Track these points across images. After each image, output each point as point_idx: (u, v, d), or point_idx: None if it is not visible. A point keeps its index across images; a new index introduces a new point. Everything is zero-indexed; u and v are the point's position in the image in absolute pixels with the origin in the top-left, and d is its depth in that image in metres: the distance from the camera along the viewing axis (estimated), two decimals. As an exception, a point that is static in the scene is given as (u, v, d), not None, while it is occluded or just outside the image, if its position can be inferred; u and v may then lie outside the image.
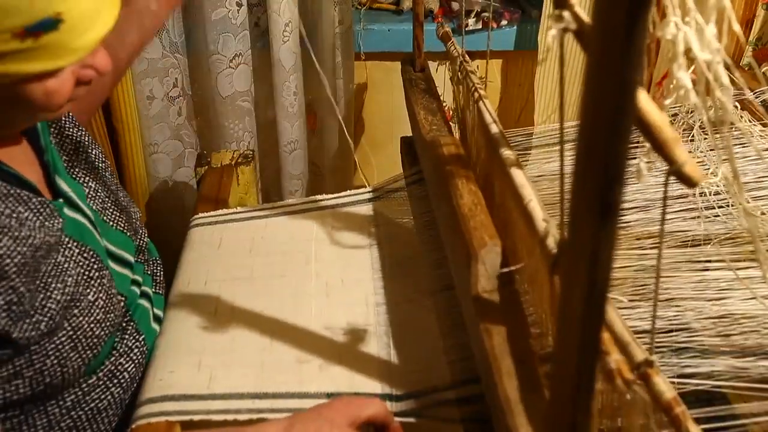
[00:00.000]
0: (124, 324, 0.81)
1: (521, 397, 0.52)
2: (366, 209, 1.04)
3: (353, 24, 1.44)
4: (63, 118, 0.86)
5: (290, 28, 1.30)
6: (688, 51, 0.38)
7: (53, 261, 0.71)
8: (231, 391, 0.75)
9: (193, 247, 1.01)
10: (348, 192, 1.07)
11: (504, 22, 1.49)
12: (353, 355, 0.79)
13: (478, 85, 0.79)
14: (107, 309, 0.76)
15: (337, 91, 1.47)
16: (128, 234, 0.88)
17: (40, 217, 0.71)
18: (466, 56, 0.88)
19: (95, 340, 0.75)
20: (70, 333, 0.72)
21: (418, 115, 0.95)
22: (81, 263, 0.75)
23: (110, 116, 1.29)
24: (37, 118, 0.72)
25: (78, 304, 0.73)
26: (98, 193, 0.86)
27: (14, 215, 0.68)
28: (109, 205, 0.87)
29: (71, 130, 0.87)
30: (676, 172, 0.29)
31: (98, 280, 0.76)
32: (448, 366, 0.76)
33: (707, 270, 0.77)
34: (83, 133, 0.88)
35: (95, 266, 0.76)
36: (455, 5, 1.53)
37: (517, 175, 0.61)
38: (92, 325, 0.74)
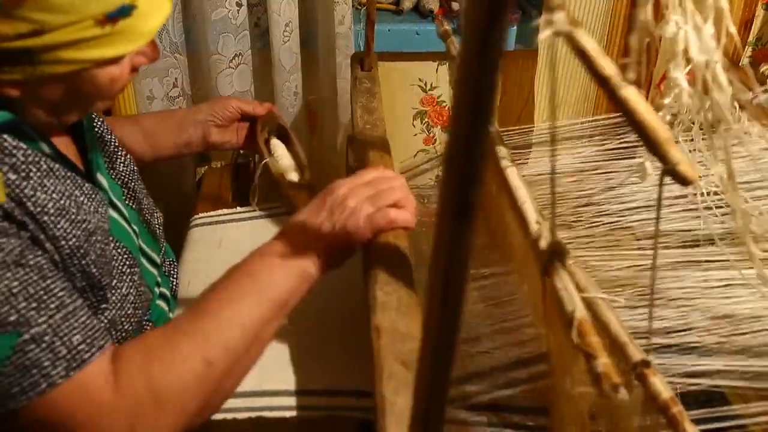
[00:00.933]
0: (143, 323, 0.82)
1: (397, 399, 0.52)
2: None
3: (353, 24, 1.44)
4: (99, 124, 0.87)
5: (290, 28, 1.30)
6: (686, 51, 0.38)
7: (113, 246, 0.73)
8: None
9: (193, 247, 1.02)
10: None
11: (504, 22, 1.49)
12: (351, 352, 0.79)
13: None
14: (136, 305, 0.77)
15: (338, 91, 1.47)
16: (155, 237, 0.89)
17: (93, 203, 0.72)
18: None
19: (123, 335, 0.76)
20: (106, 325, 0.73)
21: (355, 113, 0.96)
22: (116, 258, 0.76)
23: (110, 116, 1.29)
24: (93, 107, 0.73)
25: (111, 297, 0.73)
26: (136, 195, 0.87)
27: (72, 198, 0.69)
28: (142, 207, 0.88)
29: (108, 135, 0.88)
30: (670, 171, 0.29)
31: (130, 276, 0.77)
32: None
33: (707, 270, 0.77)
34: (116, 139, 0.90)
35: (128, 262, 0.77)
36: (455, 5, 1.52)
37: (512, 176, 0.61)
38: (122, 319, 0.75)
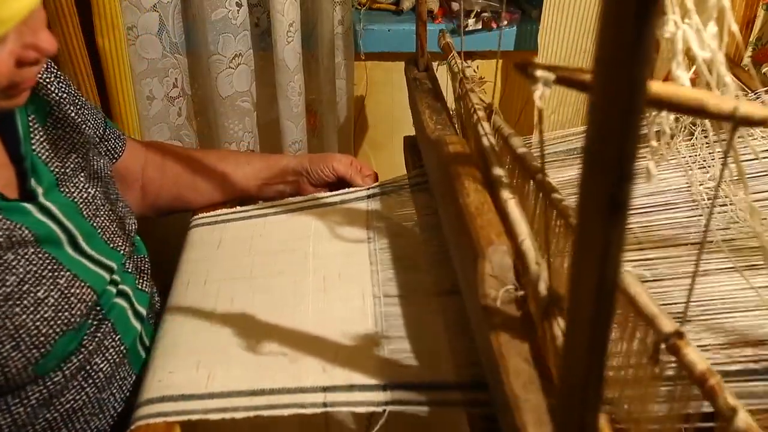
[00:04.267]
0: (96, 323, 0.81)
1: (529, 396, 0.52)
2: (365, 207, 1.04)
3: (353, 24, 1.44)
4: (81, 126, 0.85)
5: (294, 28, 1.30)
6: (687, 50, 0.38)
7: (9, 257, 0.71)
8: (229, 389, 0.75)
9: (193, 247, 1.01)
10: (347, 190, 1.07)
11: (504, 23, 1.49)
12: (351, 351, 0.79)
13: (477, 106, 0.78)
14: (59, 308, 0.75)
15: (337, 91, 1.47)
16: (113, 244, 0.87)
17: None
18: (466, 72, 0.88)
19: (42, 339, 0.73)
20: (12, 332, 0.71)
21: (423, 114, 0.94)
22: (33, 262, 0.74)
23: (110, 117, 1.29)
24: None
25: (20, 302, 0.72)
26: (95, 200, 0.86)
27: None
28: (101, 213, 0.86)
29: (79, 135, 0.87)
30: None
31: (51, 280, 0.75)
32: (446, 361, 0.76)
33: (708, 275, 0.77)
34: (91, 139, 0.89)
35: (49, 266, 0.76)
36: (455, 5, 1.52)
37: (512, 209, 0.60)
38: (38, 323, 0.73)
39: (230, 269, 0.95)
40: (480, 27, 1.48)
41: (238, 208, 1.08)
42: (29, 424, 0.75)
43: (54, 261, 0.77)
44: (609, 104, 0.24)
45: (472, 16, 1.46)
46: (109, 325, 0.82)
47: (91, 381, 0.79)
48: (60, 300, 0.76)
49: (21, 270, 0.73)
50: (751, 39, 1.34)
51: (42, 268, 0.75)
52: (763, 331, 0.66)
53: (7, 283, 0.71)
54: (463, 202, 0.72)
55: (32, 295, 0.73)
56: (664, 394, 0.45)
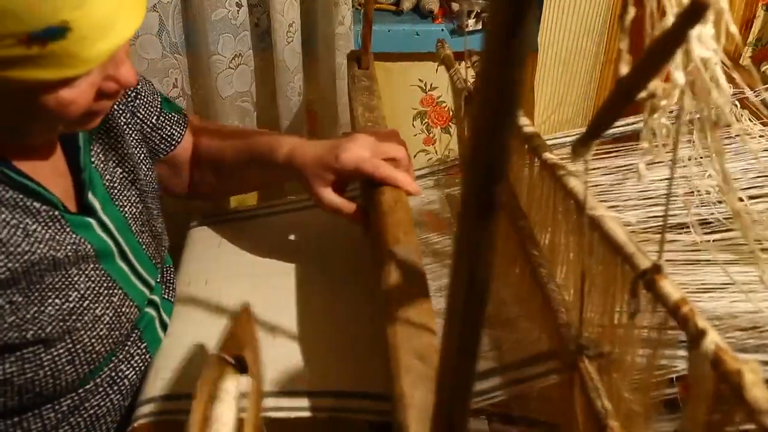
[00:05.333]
0: (126, 332, 0.81)
1: (415, 393, 0.51)
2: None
3: (353, 24, 1.44)
4: (127, 139, 0.84)
5: (294, 28, 1.30)
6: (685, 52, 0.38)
7: (63, 273, 0.71)
8: (232, 390, 0.75)
9: (194, 247, 1.02)
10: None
11: (504, 23, 1.49)
12: (358, 352, 0.79)
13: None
14: (112, 326, 0.76)
15: (337, 91, 1.47)
16: (155, 261, 0.87)
17: (50, 231, 0.70)
18: (471, 89, 0.89)
19: (94, 356, 0.75)
20: (70, 346, 0.72)
21: (356, 111, 0.95)
22: (93, 278, 0.75)
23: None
24: (58, 128, 0.69)
25: (81, 318, 0.72)
26: (142, 216, 0.85)
27: (21, 225, 0.67)
28: (146, 229, 0.86)
29: (131, 149, 0.86)
30: None
31: (107, 297, 0.76)
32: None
33: (706, 266, 0.77)
34: (142, 154, 0.88)
35: (105, 284, 0.76)
36: (455, 6, 1.53)
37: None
38: (93, 341, 0.74)
39: (232, 269, 0.95)
40: (480, 27, 1.48)
41: (239, 209, 1.09)
42: (54, 428, 0.75)
43: (109, 278, 0.77)
44: (483, 107, 0.24)
45: (472, 16, 1.46)
46: (138, 333, 0.82)
47: (116, 388, 0.79)
48: (113, 318, 0.76)
49: (82, 286, 0.73)
50: (750, 39, 1.34)
51: (99, 285, 0.75)
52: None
53: (70, 299, 0.72)
54: (377, 199, 0.72)
55: (91, 311, 0.74)
56: (645, 338, 0.45)
